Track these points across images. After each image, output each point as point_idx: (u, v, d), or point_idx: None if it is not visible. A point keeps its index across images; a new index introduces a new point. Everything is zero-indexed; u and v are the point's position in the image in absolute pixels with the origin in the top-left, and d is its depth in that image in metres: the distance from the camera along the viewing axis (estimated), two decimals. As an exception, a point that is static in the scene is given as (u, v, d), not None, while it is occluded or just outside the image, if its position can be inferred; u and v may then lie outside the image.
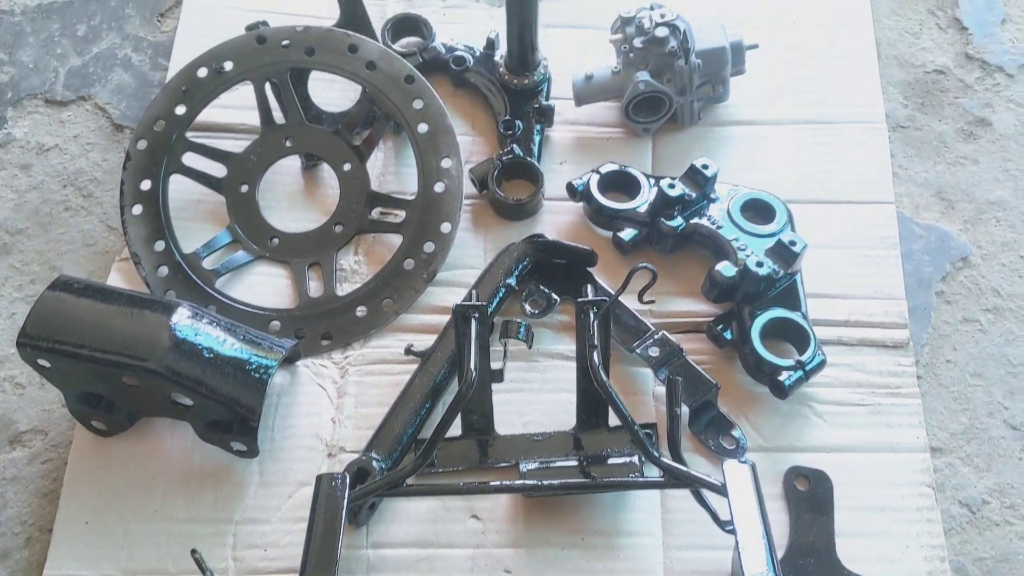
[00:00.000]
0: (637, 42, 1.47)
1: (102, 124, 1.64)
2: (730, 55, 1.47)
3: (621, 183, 1.47)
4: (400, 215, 1.47)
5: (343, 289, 1.45)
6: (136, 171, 1.47)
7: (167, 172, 1.48)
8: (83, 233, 1.54)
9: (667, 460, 1.14)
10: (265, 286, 1.46)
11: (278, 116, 1.51)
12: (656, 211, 1.41)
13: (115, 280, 1.45)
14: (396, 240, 1.46)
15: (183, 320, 1.26)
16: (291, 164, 1.54)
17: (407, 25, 1.62)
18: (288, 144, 1.50)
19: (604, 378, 1.15)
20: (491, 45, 1.58)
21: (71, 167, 1.60)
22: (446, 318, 1.34)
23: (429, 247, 1.43)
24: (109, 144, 1.61)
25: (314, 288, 1.46)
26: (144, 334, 1.22)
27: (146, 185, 1.47)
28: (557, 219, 1.50)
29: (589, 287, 1.24)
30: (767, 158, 1.54)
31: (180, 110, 1.49)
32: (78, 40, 1.71)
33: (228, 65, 1.50)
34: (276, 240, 1.48)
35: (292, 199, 1.53)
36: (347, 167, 1.49)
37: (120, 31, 1.72)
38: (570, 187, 1.46)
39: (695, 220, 1.41)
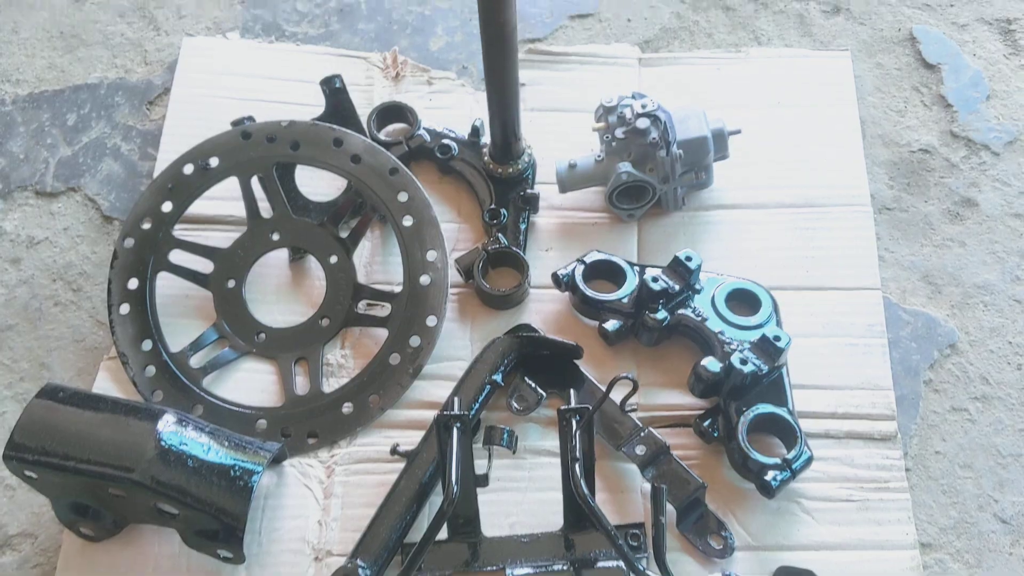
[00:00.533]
0: (619, 132, 1.47)
1: (91, 216, 1.65)
2: (712, 144, 1.47)
3: (606, 271, 1.47)
4: (386, 308, 1.47)
5: (329, 384, 1.45)
6: (123, 270, 1.48)
7: (154, 270, 1.49)
8: (72, 329, 1.55)
9: (652, 573, 1.14)
10: (252, 383, 1.47)
11: (265, 208, 1.52)
12: (641, 303, 1.41)
13: (103, 380, 1.46)
14: (382, 333, 1.46)
15: (168, 428, 1.26)
16: (278, 256, 1.54)
17: (392, 113, 1.64)
18: (275, 238, 1.51)
19: (585, 491, 1.15)
20: (476, 132, 1.59)
21: (61, 260, 1.61)
22: (433, 412, 1.34)
23: (415, 341, 1.43)
24: (98, 236, 1.62)
25: (300, 384, 1.46)
26: (129, 444, 1.23)
27: (133, 284, 1.48)
28: (543, 308, 1.51)
29: (572, 392, 1.24)
30: (752, 243, 1.54)
31: (166, 207, 1.50)
32: (68, 130, 1.73)
33: (214, 161, 1.51)
34: (263, 335, 1.48)
35: (279, 292, 1.54)
36: (333, 259, 1.49)
37: (109, 120, 1.73)
38: (555, 277, 1.46)
39: (680, 311, 1.41)
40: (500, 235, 1.51)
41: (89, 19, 1.85)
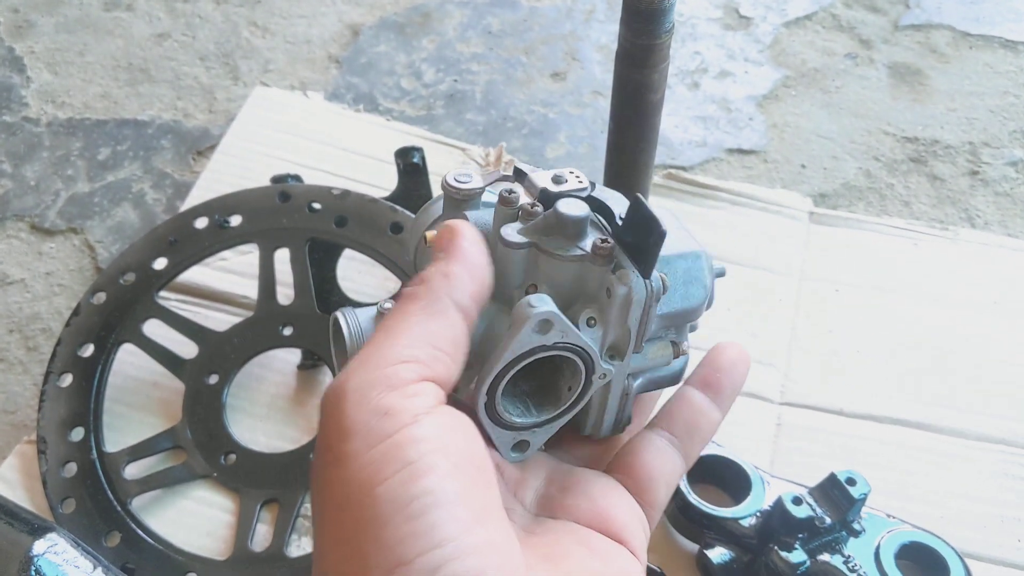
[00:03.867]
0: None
1: (83, 265, 1.31)
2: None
3: (723, 475, 1.02)
4: (405, 458, 1.05)
5: (299, 546, 1.02)
6: (80, 330, 1.11)
7: (119, 339, 1.11)
8: (8, 396, 1.18)
9: None
10: (198, 518, 1.04)
11: (285, 293, 1.15)
12: (769, 532, 0.95)
13: (8, 468, 1.07)
14: (390, 492, 1.03)
15: (49, 553, 0.86)
16: (284, 357, 1.15)
17: (478, 212, 1.26)
18: (286, 333, 1.12)
19: None
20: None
21: (28, 310, 1.26)
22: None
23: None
24: (81, 290, 1.27)
25: (261, 535, 1.03)
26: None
27: (87, 350, 1.10)
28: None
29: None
30: (940, 483, 1.06)
31: (159, 264, 1.14)
32: (95, 164, 1.42)
33: (236, 220, 1.15)
34: (232, 457, 1.07)
35: (272, 405, 1.13)
36: (353, 378, 1.09)
37: (145, 162, 1.42)
38: (648, 468, 1.01)
39: (824, 557, 0.93)
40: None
41: (165, 56, 1.58)
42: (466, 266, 0.49)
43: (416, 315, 0.46)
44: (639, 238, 0.51)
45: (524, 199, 0.54)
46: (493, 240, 0.53)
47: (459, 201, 0.57)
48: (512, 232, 0.52)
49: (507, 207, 0.53)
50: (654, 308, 0.53)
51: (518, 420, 0.53)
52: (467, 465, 0.43)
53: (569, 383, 0.54)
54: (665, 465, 0.56)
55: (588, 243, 0.52)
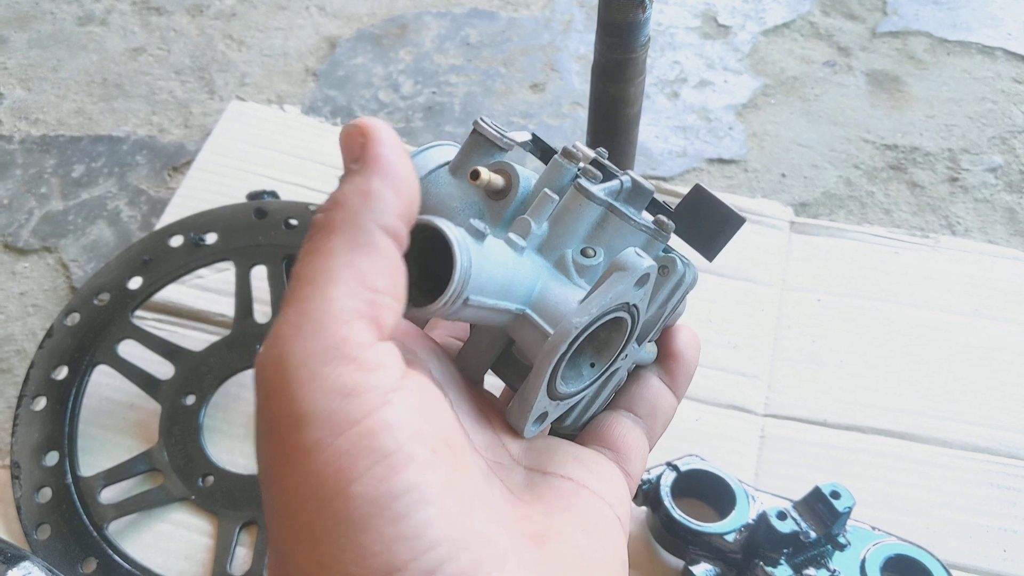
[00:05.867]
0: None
1: (58, 284, 1.29)
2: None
3: (706, 489, 1.01)
4: (386, 477, 1.04)
5: (280, 570, 1.00)
6: (54, 352, 1.09)
7: (94, 360, 1.09)
8: (-21, 420, 1.16)
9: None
10: (176, 542, 1.03)
11: (263, 311, 1.13)
12: (754, 546, 0.94)
13: (-20, 494, 1.05)
14: (371, 512, 1.01)
15: (23, 581, 0.84)
16: (263, 378, 1.14)
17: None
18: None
19: None
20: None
21: (0, 331, 1.24)
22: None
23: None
24: (56, 311, 1.25)
25: (240, 559, 1.01)
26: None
27: (61, 373, 1.09)
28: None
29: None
30: (925, 493, 1.06)
31: (134, 283, 1.12)
32: (69, 182, 1.40)
33: (211, 237, 1.14)
34: (211, 479, 1.05)
35: (250, 425, 1.10)
36: (332, 396, 1.08)
37: (120, 179, 1.40)
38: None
39: (810, 572, 0.93)
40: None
41: (140, 71, 1.57)
42: (389, 179, 0.40)
43: (340, 252, 0.38)
44: (704, 223, 0.52)
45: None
46: (536, 192, 0.49)
47: (498, 148, 0.50)
48: (596, 186, 0.49)
49: (569, 161, 0.50)
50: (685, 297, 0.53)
51: (566, 388, 0.49)
52: (445, 449, 0.39)
53: (593, 358, 0.51)
54: (638, 439, 0.54)
55: (645, 218, 0.51)
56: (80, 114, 1.50)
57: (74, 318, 1.11)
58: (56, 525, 1.01)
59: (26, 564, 0.87)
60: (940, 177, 1.39)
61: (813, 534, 0.93)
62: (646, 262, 0.46)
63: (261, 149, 1.37)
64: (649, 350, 0.57)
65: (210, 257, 1.13)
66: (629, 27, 0.83)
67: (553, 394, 0.48)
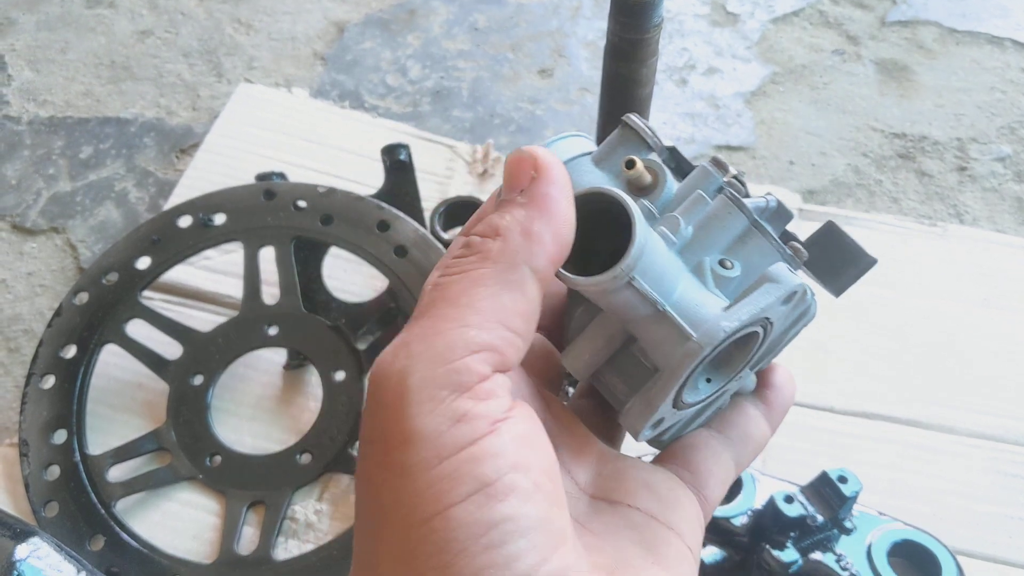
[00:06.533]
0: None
1: (65, 265, 1.29)
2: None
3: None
4: (393, 458, 1.04)
5: (286, 548, 1.01)
6: (62, 331, 1.10)
7: (102, 340, 1.09)
8: (-12, 398, 1.16)
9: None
10: (184, 521, 1.03)
11: (270, 292, 1.13)
12: (760, 530, 0.94)
13: (-11, 471, 1.05)
14: (378, 493, 1.02)
15: (33, 558, 0.85)
16: (270, 357, 1.14)
17: (464, 211, 1.25)
18: (271, 332, 1.11)
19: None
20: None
21: (9, 311, 1.24)
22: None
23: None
24: (64, 290, 1.26)
25: (247, 538, 1.02)
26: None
27: (70, 352, 1.09)
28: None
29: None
30: (931, 479, 1.06)
31: (143, 263, 1.12)
32: (77, 163, 1.40)
33: (220, 218, 1.14)
34: (218, 458, 1.06)
35: (258, 406, 1.12)
36: (340, 376, 1.08)
37: (128, 161, 1.40)
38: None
39: (816, 556, 0.93)
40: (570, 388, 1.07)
41: (148, 53, 1.56)
42: (552, 223, 0.40)
43: (488, 284, 0.39)
44: (834, 258, 0.51)
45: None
46: (680, 197, 0.48)
47: (646, 145, 0.49)
48: (746, 200, 0.48)
49: (719, 170, 0.49)
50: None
51: (686, 398, 0.48)
52: (545, 481, 0.39)
53: (710, 373, 0.49)
54: (721, 464, 0.52)
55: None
56: (88, 96, 1.50)
57: (82, 297, 1.11)
58: (64, 503, 1.02)
59: (35, 540, 0.87)
60: (948, 166, 1.38)
61: (820, 518, 0.93)
62: (797, 280, 0.45)
63: (269, 132, 1.37)
64: (752, 379, 0.55)
65: (218, 238, 1.13)
66: (643, 7, 0.83)
67: (677, 402, 0.47)
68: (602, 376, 0.50)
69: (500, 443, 0.37)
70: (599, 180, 0.48)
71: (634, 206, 0.41)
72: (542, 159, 0.41)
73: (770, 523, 0.93)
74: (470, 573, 0.36)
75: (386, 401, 0.38)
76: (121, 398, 1.11)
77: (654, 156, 0.49)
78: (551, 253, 0.40)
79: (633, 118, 0.49)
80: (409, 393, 0.37)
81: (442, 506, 0.36)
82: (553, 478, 0.40)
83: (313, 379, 1.13)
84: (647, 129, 0.49)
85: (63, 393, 1.07)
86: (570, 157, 0.48)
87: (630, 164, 0.46)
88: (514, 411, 0.39)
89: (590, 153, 0.49)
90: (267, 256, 1.13)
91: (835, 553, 0.93)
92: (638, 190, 0.48)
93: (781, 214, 0.51)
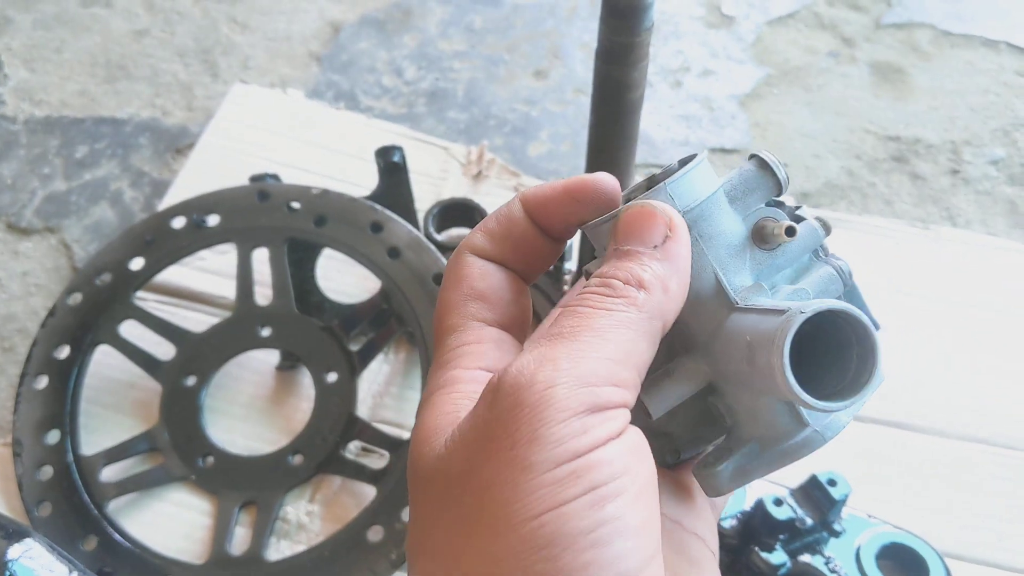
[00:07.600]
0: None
1: (60, 264, 1.29)
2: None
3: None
4: (384, 458, 1.04)
5: (278, 548, 1.01)
6: (56, 332, 1.10)
7: (95, 340, 1.10)
8: (-18, 397, 1.16)
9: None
10: (176, 521, 1.04)
11: (263, 293, 1.14)
12: (749, 533, 0.94)
13: (-18, 471, 1.05)
14: (369, 493, 1.02)
15: (25, 558, 0.85)
16: (262, 358, 1.14)
17: (459, 213, 1.25)
18: (264, 334, 1.11)
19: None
20: (560, 256, 1.19)
21: (3, 310, 1.24)
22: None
23: (408, 515, 0.98)
24: (58, 290, 1.26)
25: (239, 538, 1.02)
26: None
27: (63, 352, 1.09)
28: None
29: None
30: (921, 481, 1.06)
31: (136, 264, 1.12)
32: (72, 163, 1.41)
33: (213, 219, 1.14)
34: (210, 459, 1.06)
35: (250, 407, 1.12)
36: (332, 377, 1.08)
37: (123, 161, 1.41)
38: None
39: (806, 557, 0.93)
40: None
41: (143, 53, 1.57)
42: (683, 282, 0.45)
43: (634, 328, 0.43)
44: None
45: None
46: (795, 257, 0.50)
47: (779, 186, 0.50)
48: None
49: (823, 228, 0.50)
50: None
51: None
52: (649, 491, 0.41)
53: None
54: None
55: None
56: (83, 95, 1.50)
57: (76, 298, 1.11)
58: (57, 503, 1.02)
59: (27, 540, 0.87)
60: (942, 169, 1.39)
61: (809, 521, 0.94)
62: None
63: (264, 132, 1.37)
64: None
65: (212, 239, 1.14)
66: (634, 10, 0.83)
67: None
68: (666, 422, 0.50)
69: (612, 452, 0.40)
70: (728, 223, 0.48)
71: (880, 344, 0.42)
72: (676, 223, 0.45)
73: (759, 526, 0.94)
74: (574, 567, 0.38)
75: (529, 402, 0.41)
76: (114, 398, 1.11)
77: (787, 204, 0.49)
78: (676, 309, 0.45)
79: (767, 156, 0.49)
80: (552, 400, 0.40)
81: (556, 503, 0.39)
82: (653, 491, 0.42)
83: (306, 380, 1.13)
84: (781, 169, 0.49)
85: (56, 393, 1.07)
86: (712, 191, 0.47)
87: (790, 232, 0.47)
88: (628, 429, 0.42)
89: (721, 186, 0.48)
90: (260, 257, 1.13)
91: (824, 556, 0.94)
92: (766, 243, 0.48)
93: (844, 276, 0.52)
